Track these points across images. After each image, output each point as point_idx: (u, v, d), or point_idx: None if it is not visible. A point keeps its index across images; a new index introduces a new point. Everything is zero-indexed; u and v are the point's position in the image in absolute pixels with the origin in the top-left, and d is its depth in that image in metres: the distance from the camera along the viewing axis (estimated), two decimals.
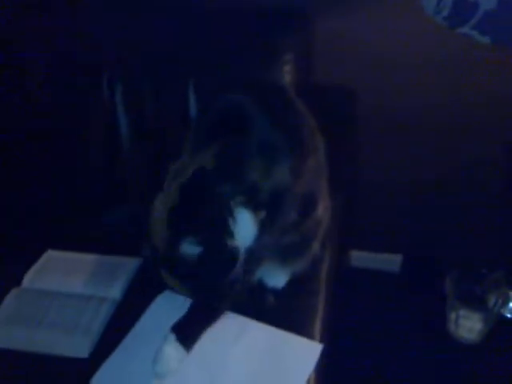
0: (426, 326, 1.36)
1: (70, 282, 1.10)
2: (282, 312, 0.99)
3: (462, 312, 1.32)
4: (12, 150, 1.24)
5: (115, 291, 1.08)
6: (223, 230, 0.83)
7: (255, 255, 0.88)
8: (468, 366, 1.28)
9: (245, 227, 0.85)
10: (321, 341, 0.97)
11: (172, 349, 0.90)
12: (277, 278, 1.02)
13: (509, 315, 1.36)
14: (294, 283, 1.02)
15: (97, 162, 1.30)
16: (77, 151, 1.29)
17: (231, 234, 0.83)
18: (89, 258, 1.15)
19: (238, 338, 0.95)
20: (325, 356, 0.93)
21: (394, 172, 1.49)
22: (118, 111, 1.29)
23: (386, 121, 1.42)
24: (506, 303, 1.35)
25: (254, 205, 0.85)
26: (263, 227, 0.86)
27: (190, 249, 0.82)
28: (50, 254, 1.17)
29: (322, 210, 0.98)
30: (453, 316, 1.33)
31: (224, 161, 0.86)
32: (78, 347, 0.98)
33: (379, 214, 1.52)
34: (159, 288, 1.01)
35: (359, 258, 1.57)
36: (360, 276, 1.47)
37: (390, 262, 1.61)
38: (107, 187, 1.30)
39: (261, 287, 1.01)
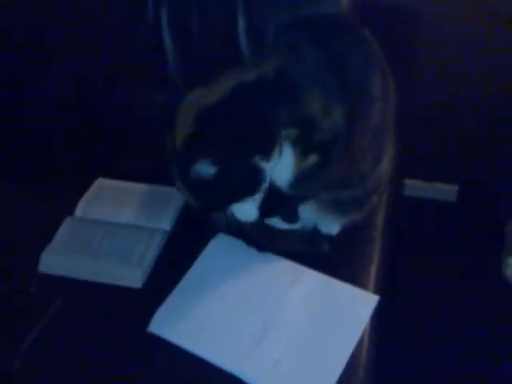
0: (481, 266, 1.33)
1: (121, 212, 1.10)
2: (336, 259, 0.97)
3: None
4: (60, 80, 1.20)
5: (166, 222, 1.08)
6: (258, 146, 0.77)
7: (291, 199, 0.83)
8: None
9: (280, 168, 0.79)
10: (375, 289, 0.95)
11: None
12: (331, 225, 0.99)
13: None
14: (350, 230, 0.99)
15: (143, 88, 1.24)
16: (123, 78, 1.24)
17: (264, 156, 0.76)
18: (139, 188, 1.15)
19: (292, 286, 0.94)
20: (380, 306, 0.92)
21: (450, 99, 1.39)
22: (164, 34, 1.21)
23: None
24: None
25: (305, 146, 0.78)
26: (311, 177, 0.80)
27: (205, 169, 0.77)
28: (101, 183, 1.16)
29: (386, 162, 0.91)
30: (510, 261, 1.29)
31: (284, 76, 0.78)
32: (133, 277, 1.00)
33: (434, 142, 1.45)
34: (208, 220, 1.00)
35: (413, 187, 1.52)
36: (414, 205, 1.44)
37: (446, 191, 1.56)
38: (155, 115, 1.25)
39: (314, 233, 0.98)
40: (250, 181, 0.79)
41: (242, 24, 1.20)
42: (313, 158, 0.80)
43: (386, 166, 0.93)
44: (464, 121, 1.42)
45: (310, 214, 0.95)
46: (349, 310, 0.91)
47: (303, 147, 0.79)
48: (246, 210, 0.84)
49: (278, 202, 0.86)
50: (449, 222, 1.45)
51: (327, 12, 1.09)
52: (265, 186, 0.80)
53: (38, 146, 1.22)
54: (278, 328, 0.89)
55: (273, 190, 0.82)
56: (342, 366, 0.84)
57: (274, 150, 0.77)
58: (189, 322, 0.91)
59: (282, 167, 0.80)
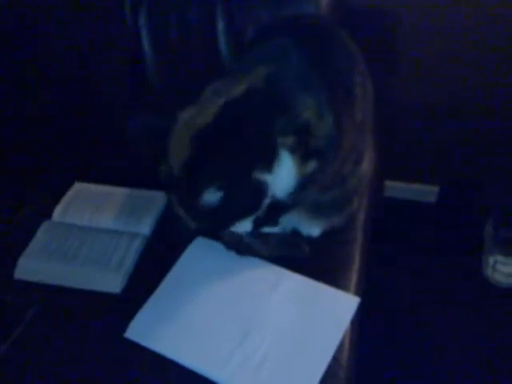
0: (461, 265, 1.34)
1: (99, 217, 1.08)
2: (317, 261, 0.96)
3: (500, 258, 1.29)
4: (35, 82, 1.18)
5: (145, 227, 1.06)
6: (258, 159, 0.76)
7: (286, 207, 0.83)
8: (503, 309, 1.27)
9: (282, 177, 0.78)
10: (356, 291, 0.95)
11: None
12: (311, 228, 0.98)
13: None
14: (330, 232, 0.98)
15: (121, 89, 1.23)
16: (101, 78, 1.23)
17: (265, 168, 0.76)
18: (117, 192, 1.13)
19: (273, 289, 0.93)
20: (361, 308, 0.92)
21: (431, 98, 1.40)
22: (142, 35, 1.20)
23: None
24: None
25: (303, 152, 0.77)
26: (308, 183, 0.80)
27: (212, 196, 0.76)
28: (79, 187, 1.15)
29: (367, 163, 0.91)
30: (490, 261, 1.30)
31: (274, 84, 0.77)
32: (111, 283, 0.98)
33: (415, 143, 1.46)
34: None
35: (394, 188, 1.53)
36: (394, 206, 1.44)
37: (426, 192, 1.57)
38: (132, 116, 1.23)
39: (295, 236, 0.98)
40: (255, 197, 0.78)
41: (221, 24, 1.19)
42: (312, 164, 0.79)
43: (366, 166, 0.93)
44: (444, 122, 1.44)
45: (290, 218, 0.93)
46: (330, 312, 0.91)
47: (302, 154, 0.78)
48: (243, 224, 0.83)
49: (274, 212, 0.85)
50: (429, 222, 1.46)
51: (307, 13, 1.10)
52: (268, 199, 0.79)
53: (14, 149, 1.20)
54: (258, 332, 0.88)
55: (271, 202, 0.81)
56: (323, 369, 0.83)
57: (275, 160, 0.77)
58: (167, 328, 0.90)
59: (282, 177, 0.79)
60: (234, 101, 0.76)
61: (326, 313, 0.90)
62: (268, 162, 0.76)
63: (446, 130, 1.44)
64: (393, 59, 1.36)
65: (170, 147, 0.78)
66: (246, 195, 0.78)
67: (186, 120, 0.78)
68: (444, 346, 1.23)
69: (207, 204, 0.77)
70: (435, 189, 1.55)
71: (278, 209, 0.82)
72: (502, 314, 1.27)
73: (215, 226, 0.83)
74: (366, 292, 0.95)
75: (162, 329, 0.90)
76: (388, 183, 1.51)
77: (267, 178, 0.77)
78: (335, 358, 0.85)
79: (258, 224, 0.83)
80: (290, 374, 0.83)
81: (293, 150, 0.77)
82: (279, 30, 0.88)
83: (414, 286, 1.33)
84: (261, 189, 0.77)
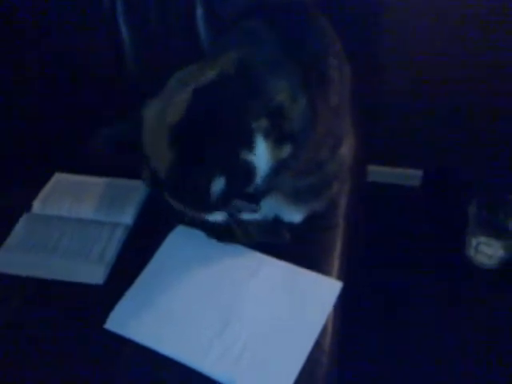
0: (445, 247, 1.34)
1: (80, 208, 1.07)
2: (299, 247, 0.96)
3: (483, 239, 1.30)
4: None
5: (127, 217, 1.05)
6: (240, 143, 0.75)
7: (261, 192, 0.82)
8: (485, 289, 1.28)
9: (257, 162, 0.77)
10: (338, 276, 0.94)
11: None
12: (292, 214, 0.98)
13: None
14: (313, 217, 0.98)
15: (98, 76, 1.21)
16: (77, 66, 1.20)
17: (248, 150, 0.75)
18: (98, 182, 1.12)
19: (254, 275, 0.93)
20: (344, 293, 0.92)
21: (413, 85, 1.40)
22: (120, 21, 1.18)
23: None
24: None
25: (277, 136, 0.76)
26: (283, 167, 0.79)
27: (218, 184, 0.75)
28: (58, 178, 1.13)
29: (346, 147, 0.90)
30: (473, 242, 1.31)
31: (246, 68, 0.75)
32: (94, 274, 0.97)
33: (398, 127, 1.46)
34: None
35: (377, 172, 1.53)
36: (378, 190, 1.44)
37: (410, 176, 1.57)
38: (110, 102, 1.21)
39: (276, 223, 0.97)
40: (247, 177, 0.78)
41: (200, 10, 1.17)
42: (287, 149, 0.78)
43: (345, 151, 0.92)
44: (427, 107, 1.43)
45: (270, 204, 0.93)
46: (312, 296, 0.90)
47: (276, 137, 0.77)
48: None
49: (250, 198, 0.83)
50: (413, 206, 1.46)
51: None
52: (259, 179, 0.78)
53: None
54: (239, 319, 0.88)
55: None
56: (305, 355, 0.83)
57: (254, 143, 0.76)
58: (147, 318, 0.89)
59: (258, 161, 0.78)
60: (204, 88, 0.75)
61: (308, 298, 0.90)
62: (249, 142, 0.76)
63: (429, 114, 1.44)
64: (375, 43, 1.35)
65: (147, 150, 0.77)
66: (240, 176, 0.77)
67: (155, 116, 0.77)
68: (427, 327, 1.23)
69: (216, 193, 0.76)
70: (419, 173, 1.56)
71: (254, 194, 0.81)
72: (485, 295, 1.28)
73: (225, 212, 0.82)
74: (349, 276, 0.95)
75: (142, 319, 0.89)
76: (371, 168, 1.51)
77: (253, 158, 0.76)
78: (318, 344, 0.85)
79: (237, 210, 0.82)
80: (272, 361, 0.83)
81: (267, 134, 0.76)
82: (252, 13, 0.86)
83: (398, 268, 1.33)
84: (250, 169, 0.77)
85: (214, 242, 0.96)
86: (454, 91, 1.38)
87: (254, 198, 0.80)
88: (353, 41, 0.93)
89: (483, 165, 1.44)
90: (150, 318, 0.89)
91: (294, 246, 0.96)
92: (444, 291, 1.29)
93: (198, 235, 0.96)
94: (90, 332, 0.89)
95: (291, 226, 0.98)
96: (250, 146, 0.76)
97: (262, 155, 0.77)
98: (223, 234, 0.95)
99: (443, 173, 1.53)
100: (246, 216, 0.95)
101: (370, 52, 1.31)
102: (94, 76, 1.21)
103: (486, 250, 1.31)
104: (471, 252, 1.33)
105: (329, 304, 0.89)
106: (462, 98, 1.39)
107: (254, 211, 0.84)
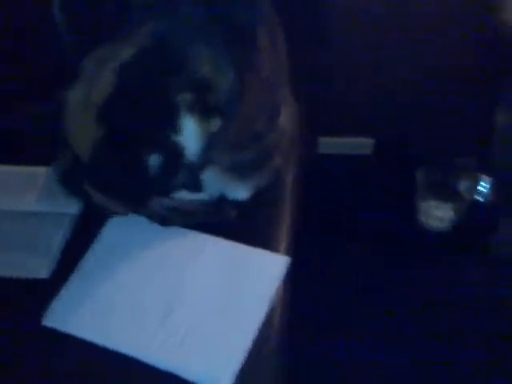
0: (397, 213, 1.35)
1: (19, 200, 1.03)
2: (245, 224, 0.95)
3: (433, 202, 1.30)
4: None
5: (73, 206, 1.01)
6: (166, 119, 0.74)
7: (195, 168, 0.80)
8: (437, 251, 1.29)
9: (186, 137, 0.76)
10: (287, 251, 0.94)
11: None
12: (237, 191, 0.95)
13: (481, 199, 1.34)
14: (259, 193, 0.96)
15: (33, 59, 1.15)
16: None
17: (175, 124, 0.74)
18: (38, 171, 1.06)
19: (198, 257, 0.90)
20: (293, 269, 0.91)
21: (362, 54, 1.38)
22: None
23: None
24: (477, 188, 1.33)
25: (204, 109, 0.75)
26: (215, 141, 0.77)
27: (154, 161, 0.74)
28: None
29: (286, 117, 0.88)
30: (423, 207, 1.32)
31: (165, 41, 0.73)
32: (38, 268, 0.94)
33: (347, 97, 1.45)
34: None
35: (328, 144, 1.52)
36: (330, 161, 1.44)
37: (361, 146, 1.57)
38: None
39: (220, 201, 0.95)
40: (175, 159, 0.76)
41: None
42: (215, 122, 0.77)
43: (284, 121, 0.90)
44: (376, 76, 1.43)
45: (213, 182, 0.91)
46: (259, 274, 0.89)
47: (202, 111, 0.75)
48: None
49: (187, 176, 0.83)
50: (365, 175, 1.46)
51: None
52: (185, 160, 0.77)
53: None
54: (183, 303, 0.85)
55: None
56: (254, 332, 0.82)
57: (178, 119, 0.74)
58: (87, 311, 0.86)
59: (187, 136, 0.76)
60: (126, 65, 0.72)
61: (254, 275, 0.89)
62: (175, 119, 0.74)
63: (378, 83, 1.44)
64: (325, 15, 1.33)
65: (69, 134, 0.75)
66: (171, 154, 0.76)
67: (78, 99, 0.74)
68: (379, 294, 1.23)
69: (152, 171, 0.75)
70: (371, 141, 1.56)
71: (190, 172, 0.80)
72: (437, 257, 1.29)
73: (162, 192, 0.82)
74: (298, 251, 0.94)
75: (82, 313, 0.86)
76: (322, 139, 1.50)
77: (179, 138, 0.75)
78: (267, 321, 0.84)
79: (177, 189, 0.81)
80: (219, 342, 0.81)
81: (191, 107, 0.74)
82: None
83: (351, 236, 1.33)
84: (177, 150, 0.75)
85: (155, 226, 0.94)
86: (403, 59, 1.38)
87: (192, 175, 0.79)
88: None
89: (433, 131, 1.44)
90: (91, 311, 0.86)
91: (241, 224, 0.95)
92: (395, 256, 1.29)
93: (139, 221, 0.93)
94: (29, 329, 0.85)
95: (237, 204, 0.96)
96: (176, 121, 0.74)
97: (189, 130, 0.76)
98: (165, 217, 0.93)
99: (394, 141, 1.54)
100: (190, 196, 0.93)
101: (318, 23, 1.29)
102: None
103: (436, 213, 1.31)
104: (422, 217, 1.34)
105: (276, 280, 0.88)
106: (410, 66, 1.39)
107: (196, 190, 0.82)
